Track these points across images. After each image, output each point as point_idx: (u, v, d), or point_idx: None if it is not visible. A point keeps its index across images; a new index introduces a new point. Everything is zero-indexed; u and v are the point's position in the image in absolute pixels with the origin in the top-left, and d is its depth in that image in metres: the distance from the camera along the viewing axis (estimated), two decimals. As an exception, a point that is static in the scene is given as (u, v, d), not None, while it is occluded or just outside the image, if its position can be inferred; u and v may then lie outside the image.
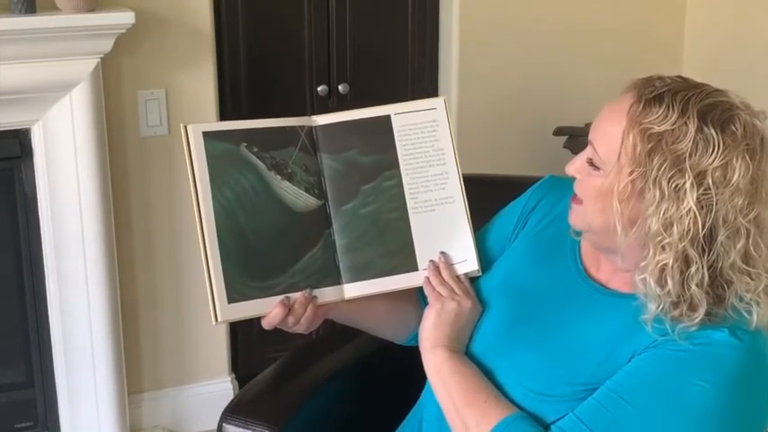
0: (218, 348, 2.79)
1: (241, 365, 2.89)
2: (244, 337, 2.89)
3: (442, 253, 1.46)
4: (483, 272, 1.49)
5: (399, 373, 1.43)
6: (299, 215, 1.41)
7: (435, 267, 1.45)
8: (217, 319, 1.35)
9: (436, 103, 1.49)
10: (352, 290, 1.43)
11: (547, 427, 1.28)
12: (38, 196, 2.42)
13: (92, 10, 2.26)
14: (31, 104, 2.33)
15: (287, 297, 1.39)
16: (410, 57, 2.95)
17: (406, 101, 1.50)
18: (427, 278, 1.45)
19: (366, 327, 1.59)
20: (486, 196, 1.59)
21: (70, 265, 2.45)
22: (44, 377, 2.57)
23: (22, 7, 2.19)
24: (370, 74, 2.88)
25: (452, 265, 1.46)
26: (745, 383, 1.21)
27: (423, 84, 2.97)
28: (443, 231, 1.46)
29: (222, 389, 2.79)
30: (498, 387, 1.34)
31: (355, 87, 2.86)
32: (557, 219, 1.45)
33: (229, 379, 2.83)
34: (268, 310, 1.38)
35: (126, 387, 2.61)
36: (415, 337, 1.47)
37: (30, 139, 2.39)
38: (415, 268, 1.45)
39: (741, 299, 1.22)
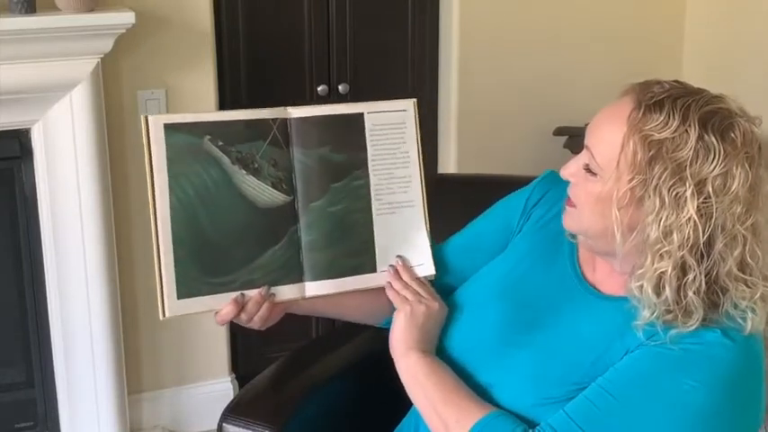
0: (219, 348, 2.79)
1: (241, 365, 2.89)
2: (244, 337, 2.89)
3: (399, 257, 1.46)
4: (480, 265, 1.48)
5: (398, 374, 1.43)
6: (262, 211, 1.38)
7: (395, 271, 1.45)
8: (164, 314, 1.34)
9: (407, 104, 1.47)
10: (312, 288, 1.42)
11: (537, 425, 1.27)
12: (38, 196, 2.42)
13: (91, 10, 2.26)
14: (31, 104, 2.33)
15: (241, 294, 1.37)
16: (410, 57, 2.95)
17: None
18: (389, 283, 1.44)
19: (333, 317, 1.59)
20: (486, 196, 1.59)
21: (70, 265, 2.45)
22: (44, 377, 2.57)
23: (22, 7, 2.19)
24: (371, 74, 2.88)
25: (410, 267, 1.46)
26: (738, 384, 1.21)
27: (423, 84, 2.97)
28: (402, 234, 1.46)
29: (222, 389, 2.79)
30: (491, 388, 1.34)
31: (355, 87, 2.86)
32: (558, 215, 1.43)
33: (229, 379, 2.83)
34: (220, 306, 1.37)
35: (126, 387, 2.61)
36: (390, 321, 1.48)
37: (30, 139, 2.39)
38: (373, 269, 1.45)
39: (736, 306, 1.22)
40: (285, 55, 2.78)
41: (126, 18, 2.27)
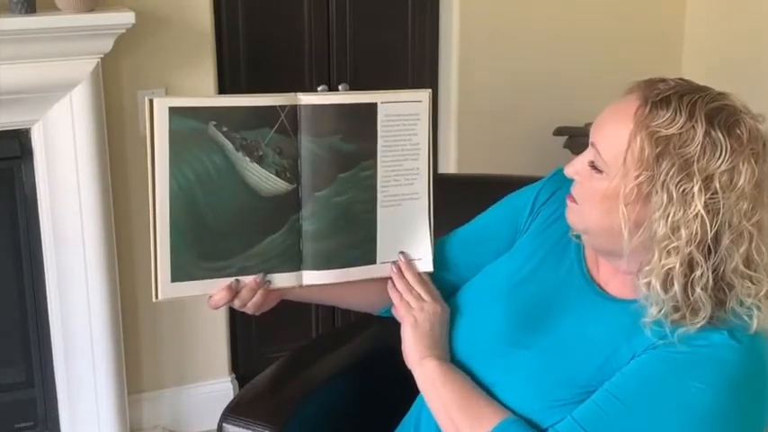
0: (219, 348, 2.79)
1: (241, 365, 2.89)
2: (244, 337, 2.89)
3: (402, 252, 1.45)
4: (483, 260, 1.48)
5: (398, 373, 1.43)
6: (264, 199, 1.38)
7: (398, 269, 1.45)
8: (157, 297, 1.34)
9: (421, 95, 1.44)
10: (311, 277, 1.41)
11: (544, 430, 1.27)
12: (38, 196, 2.42)
13: (91, 10, 2.26)
14: (31, 104, 2.33)
15: (236, 280, 1.38)
16: (410, 57, 2.95)
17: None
18: (393, 284, 1.44)
19: (329, 304, 1.59)
20: (486, 196, 1.59)
21: (70, 265, 2.45)
22: (44, 377, 2.57)
23: (22, 7, 2.19)
24: (370, 74, 2.88)
25: (411, 261, 1.46)
26: (744, 385, 1.21)
27: (423, 84, 2.96)
28: (405, 227, 1.45)
29: (222, 389, 2.79)
30: (496, 390, 1.34)
31: (355, 87, 2.86)
32: (564, 215, 1.43)
33: (229, 379, 2.83)
34: (214, 291, 1.37)
35: (126, 387, 2.61)
36: (389, 310, 1.47)
37: (30, 139, 2.39)
38: (373, 261, 1.44)
39: (742, 303, 1.22)
40: (285, 55, 2.78)
41: (126, 18, 2.27)
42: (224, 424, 1.58)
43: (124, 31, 2.30)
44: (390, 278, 1.45)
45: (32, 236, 2.46)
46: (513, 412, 1.30)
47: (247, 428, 1.56)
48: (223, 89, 2.67)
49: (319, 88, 2.81)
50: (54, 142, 2.37)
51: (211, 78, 2.58)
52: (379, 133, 1.42)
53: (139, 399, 2.72)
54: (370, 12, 2.85)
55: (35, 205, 2.43)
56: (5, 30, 2.17)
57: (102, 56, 2.33)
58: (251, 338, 2.89)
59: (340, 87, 2.84)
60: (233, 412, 1.59)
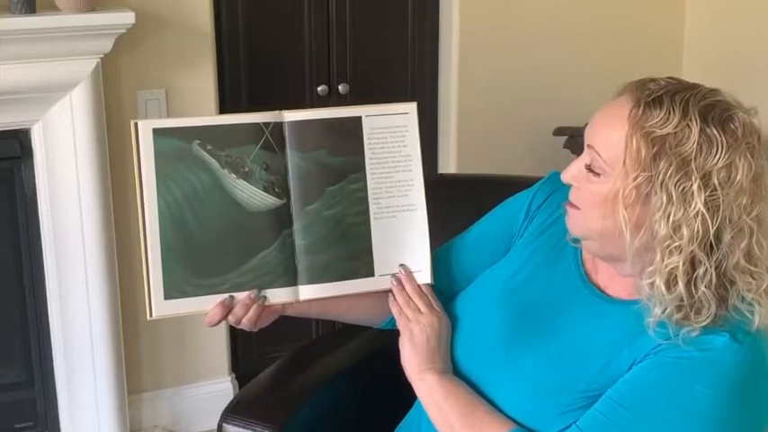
0: (218, 348, 2.79)
1: (241, 365, 2.89)
2: (244, 337, 2.89)
3: (402, 265, 1.45)
4: (482, 269, 1.48)
5: (399, 374, 1.43)
6: (253, 214, 1.39)
7: (399, 282, 1.44)
8: (151, 315, 1.36)
9: (408, 107, 1.46)
10: (307, 292, 1.42)
11: None
12: (38, 196, 2.42)
13: (92, 10, 2.26)
14: (31, 104, 2.33)
15: (230, 297, 1.38)
16: (410, 57, 2.95)
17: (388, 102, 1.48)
18: (393, 296, 1.43)
19: (329, 319, 1.59)
20: (486, 196, 1.59)
21: (70, 264, 2.45)
22: (44, 377, 2.57)
23: (22, 7, 2.19)
24: (370, 74, 2.89)
25: (410, 273, 1.45)
26: (747, 386, 1.21)
27: (423, 84, 2.97)
28: (402, 239, 1.45)
29: (222, 389, 2.79)
30: (498, 398, 1.33)
31: (355, 87, 2.86)
32: (561, 217, 1.41)
33: (229, 379, 2.83)
34: (208, 308, 1.38)
35: (126, 387, 2.61)
36: (391, 321, 1.47)
37: (30, 139, 2.39)
38: (371, 274, 1.44)
39: (743, 299, 1.22)
40: (285, 55, 2.78)
41: (126, 18, 2.27)
42: (224, 424, 1.58)
43: (124, 31, 2.30)
44: (391, 291, 1.44)
45: (32, 236, 2.46)
46: (517, 421, 1.30)
47: (247, 428, 1.56)
48: (223, 89, 2.67)
49: (319, 88, 2.81)
50: (54, 142, 2.37)
51: (211, 78, 2.58)
52: (366, 146, 1.44)
53: (139, 399, 2.72)
54: (370, 11, 2.85)
55: (35, 205, 2.43)
56: (5, 30, 2.17)
57: (102, 56, 2.33)
58: (251, 338, 2.89)
59: (340, 87, 2.84)
60: (233, 412, 1.59)
